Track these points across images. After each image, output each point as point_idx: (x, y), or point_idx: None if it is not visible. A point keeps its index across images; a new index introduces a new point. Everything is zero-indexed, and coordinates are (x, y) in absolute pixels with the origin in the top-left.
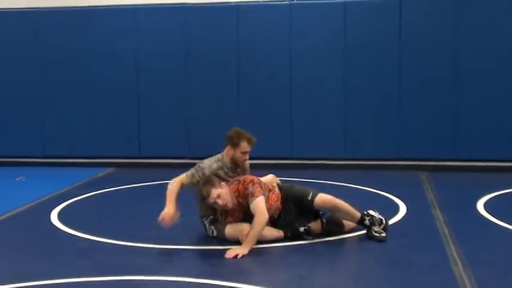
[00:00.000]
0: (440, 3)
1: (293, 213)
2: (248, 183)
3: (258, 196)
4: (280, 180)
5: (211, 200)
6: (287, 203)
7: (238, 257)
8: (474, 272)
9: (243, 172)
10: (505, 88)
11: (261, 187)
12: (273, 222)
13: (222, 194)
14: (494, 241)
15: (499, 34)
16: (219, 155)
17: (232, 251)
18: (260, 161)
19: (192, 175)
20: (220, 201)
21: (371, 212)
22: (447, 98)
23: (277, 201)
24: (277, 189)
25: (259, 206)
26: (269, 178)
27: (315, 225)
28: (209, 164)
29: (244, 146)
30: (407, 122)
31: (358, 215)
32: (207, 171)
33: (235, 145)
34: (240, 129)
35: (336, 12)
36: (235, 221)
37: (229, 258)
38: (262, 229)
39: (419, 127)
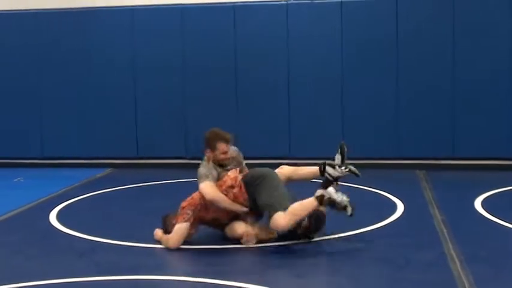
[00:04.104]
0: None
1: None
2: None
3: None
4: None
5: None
6: (251, 189)
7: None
8: (472, 269)
9: (239, 165)
10: (503, 88)
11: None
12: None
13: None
14: (492, 239)
15: (496, 31)
16: (205, 162)
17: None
18: (258, 160)
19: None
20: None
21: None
22: (445, 97)
23: (242, 196)
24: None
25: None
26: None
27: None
28: (207, 171)
29: (222, 147)
30: (405, 121)
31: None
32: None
33: (213, 148)
34: (216, 129)
35: (333, 12)
36: (228, 218)
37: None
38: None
39: (418, 126)
